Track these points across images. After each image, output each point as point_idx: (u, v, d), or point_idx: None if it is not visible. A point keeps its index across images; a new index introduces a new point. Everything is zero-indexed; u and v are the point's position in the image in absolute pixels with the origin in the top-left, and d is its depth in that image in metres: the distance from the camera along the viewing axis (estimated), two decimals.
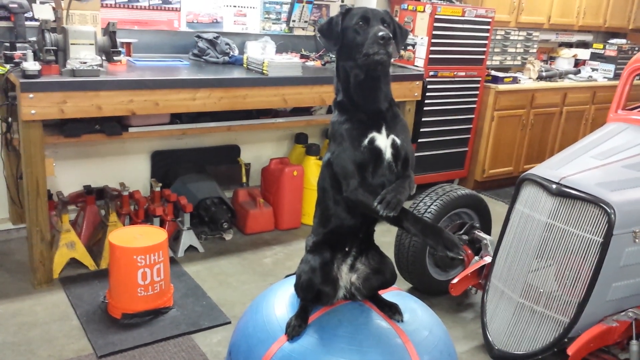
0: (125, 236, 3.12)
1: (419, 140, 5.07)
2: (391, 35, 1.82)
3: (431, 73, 4.95)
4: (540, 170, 2.90)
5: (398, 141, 1.95)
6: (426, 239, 1.81)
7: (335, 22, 1.95)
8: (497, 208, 5.08)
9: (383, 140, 1.92)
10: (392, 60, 1.93)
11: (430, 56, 4.90)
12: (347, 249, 2.07)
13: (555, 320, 2.72)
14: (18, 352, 2.82)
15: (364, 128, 1.92)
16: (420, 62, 4.93)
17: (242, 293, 3.51)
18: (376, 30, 1.82)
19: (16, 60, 3.26)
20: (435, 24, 4.83)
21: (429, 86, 4.87)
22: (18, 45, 3.45)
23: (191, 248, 3.97)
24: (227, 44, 4.30)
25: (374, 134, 1.92)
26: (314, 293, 2.02)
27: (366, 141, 1.90)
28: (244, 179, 4.62)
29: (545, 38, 6.46)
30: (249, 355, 2.02)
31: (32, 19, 3.67)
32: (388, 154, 1.92)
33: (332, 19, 1.97)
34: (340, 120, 1.96)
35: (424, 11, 4.85)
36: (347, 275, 2.08)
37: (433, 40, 4.87)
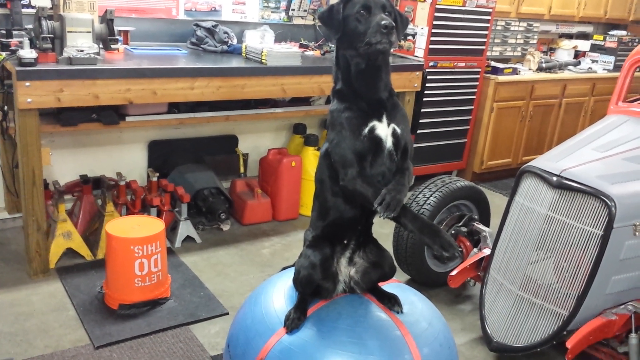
0: (122, 226, 3.10)
1: (418, 131, 5.05)
2: (394, 24, 1.79)
3: (431, 64, 4.91)
4: (541, 162, 2.88)
5: (398, 130, 1.93)
6: (423, 237, 1.79)
7: (336, 10, 1.92)
8: (495, 200, 5.07)
9: (384, 129, 1.90)
10: (392, 49, 1.91)
11: (431, 46, 4.86)
12: (345, 242, 2.05)
13: (554, 313, 2.72)
14: (14, 342, 2.80)
15: (365, 117, 1.90)
16: (420, 53, 4.90)
17: (240, 284, 3.50)
18: (379, 19, 1.80)
19: (12, 48, 3.23)
20: (436, 14, 4.79)
21: (428, 77, 4.85)
22: (14, 32, 3.41)
23: (188, 238, 3.95)
24: (225, 32, 4.26)
25: (375, 123, 1.90)
26: (313, 288, 2.01)
27: (366, 130, 1.88)
28: (242, 170, 4.59)
29: (545, 29, 6.43)
30: (247, 347, 2.00)
31: (29, 6, 3.64)
32: (389, 142, 1.91)
33: (332, 6, 1.94)
34: (340, 109, 1.94)
35: (424, 1, 4.81)
36: (345, 269, 2.06)
37: (433, 31, 4.83)
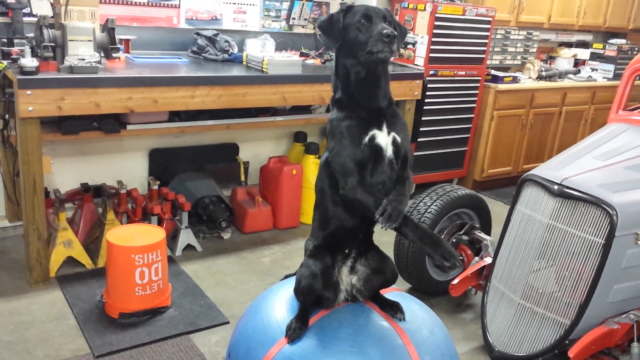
0: (122, 235, 3.09)
1: (419, 140, 5.05)
2: (396, 34, 1.80)
3: (431, 72, 4.92)
4: (542, 171, 2.88)
5: (399, 139, 1.93)
6: (424, 246, 1.80)
7: (336, 20, 1.93)
8: (496, 208, 5.06)
9: (384, 138, 1.91)
10: (392, 58, 1.92)
11: (431, 55, 4.88)
12: (346, 251, 2.05)
13: (556, 322, 2.71)
14: (14, 351, 2.79)
15: (365, 125, 1.90)
16: (420, 61, 4.91)
17: (240, 292, 3.49)
18: (380, 28, 1.81)
19: (14, 56, 3.23)
20: (436, 23, 4.81)
21: (429, 85, 4.85)
22: (16, 41, 3.42)
23: (189, 247, 3.95)
24: (226, 41, 4.27)
25: (375, 132, 1.90)
26: (314, 298, 2.00)
27: (367, 139, 1.88)
28: (243, 178, 4.59)
29: (545, 37, 6.45)
30: (249, 357, 1.99)
31: (30, 14, 3.64)
32: (389, 151, 1.91)
33: (332, 16, 1.95)
34: (340, 118, 1.94)
35: (424, 10, 4.83)
36: (347, 278, 2.06)
37: (433, 39, 4.84)
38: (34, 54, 3.16)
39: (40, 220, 3.25)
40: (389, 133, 1.92)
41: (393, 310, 2.08)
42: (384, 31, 1.79)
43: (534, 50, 6.16)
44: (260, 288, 3.48)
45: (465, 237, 3.45)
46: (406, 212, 1.83)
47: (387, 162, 1.91)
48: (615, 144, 3.11)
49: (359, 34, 1.86)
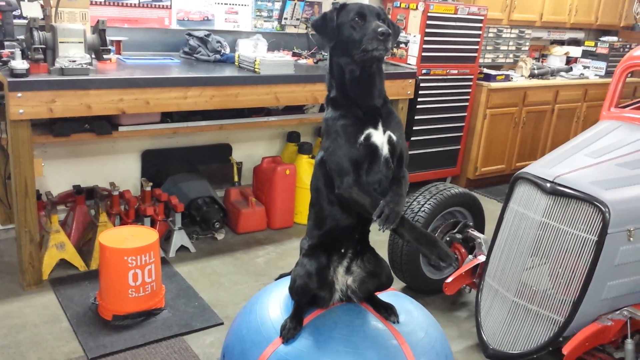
0: (115, 237, 3.08)
1: (412, 139, 5.06)
2: (390, 32, 1.79)
3: (424, 71, 4.93)
4: (534, 168, 2.89)
5: (394, 137, 1.93)
6: (420, 247, 1.80)
7: (329, 18, 1.92)
8: (489, 206, 5.08)
9: (380, 137, 1.90)
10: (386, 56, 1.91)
11: (423, 54, 4.88)
12: (342, 250, 2.05)
13: (550, 319, 2.71)
14: (7, 355, 2.77)
15: (360, 124, 1.90)
16: (412, 60, 4.91)
17: (234, 293, 3.48)
18: (375, 26, 1.80)
19: (4, 58, 3.21)
20: (428, 22, 4.81)
21: (421, 84, 4.85)
22: (6, 43, 3.40)
23: (183, 248, 3.94)
24: (218, 42, 4.26)
25: (371, 130, 1.90)
26: (309, 297, 2.00)
27: (362, 137, 1.88)
28: (236, 178, 4.58)
29: (537, 36, 6.47)
30: (243, 358, 1.99)
31: (21, 16, 3.62)
32: (385, 150, 1.90)
33: (326, 14, 1.94)
34: (335, 117, 1.93)
35: (416, 9, 4.83)
36: (343, 278, 2.06)
37: (426, 38, 4.85)
38: (24, 56, 3.15)
39: (33, 223, 3.23)
40: (384, 132, 1.92)
41: (387, 312, 2.07)
42: (379, 29, 1.79)
43: (526, 48, 6.18)
44: (254, 289, 3.48)
45: (458, 236, 3.46)
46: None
47: (382, 161, 1.90)
48: (608, 141, 3.12)
49: (353, 32, 1.86)
